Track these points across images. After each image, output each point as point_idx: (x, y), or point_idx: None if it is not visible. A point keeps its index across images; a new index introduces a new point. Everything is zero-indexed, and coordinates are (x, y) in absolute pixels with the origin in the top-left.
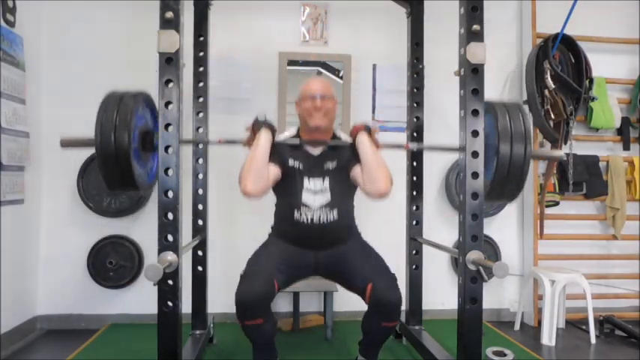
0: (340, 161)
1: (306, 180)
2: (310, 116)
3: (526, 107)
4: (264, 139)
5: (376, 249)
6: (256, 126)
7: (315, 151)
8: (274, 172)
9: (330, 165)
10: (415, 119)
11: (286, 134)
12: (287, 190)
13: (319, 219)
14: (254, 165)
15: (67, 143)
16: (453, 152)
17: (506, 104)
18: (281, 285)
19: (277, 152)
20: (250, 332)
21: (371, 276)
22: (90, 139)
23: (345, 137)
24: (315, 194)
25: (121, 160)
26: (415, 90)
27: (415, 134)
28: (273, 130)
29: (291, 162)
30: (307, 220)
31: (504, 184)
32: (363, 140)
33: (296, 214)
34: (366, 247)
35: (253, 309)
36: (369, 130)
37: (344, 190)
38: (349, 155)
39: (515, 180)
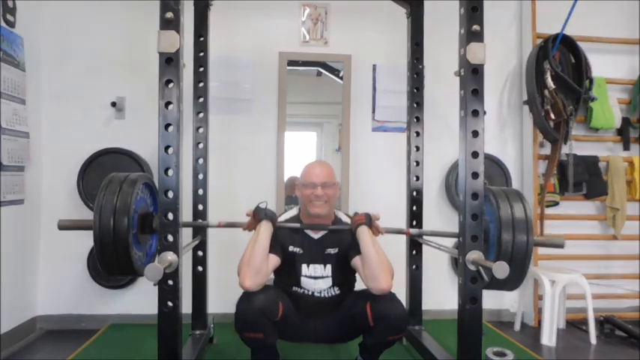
0: (342, 245)
1: (304, 267)
2: (310, 203)
3: (526, 107)
4: (264, 232)
5: None
6: (257, 215)
7: (316, 234)
8: (274, 262)
9: (332, 250)
10: (415, 119)
11: (287, 216)
12: (286, 274)
13: (320, 293)
14: (253, 261)
15: (64, 226)
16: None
17: (506, 191)
18: (285, 312)
19: (277, 238)
20: (249, 343)
21: (367, 297)
22: (89, 222)
23: (346, 219)
24: (316, 279)
25: (119, 246)
26: (415, 90)
27: (415, 134)
28: (274, 220)
29: (291, 248)
30: (308, 292)
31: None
32: (363, 233)
33: (295, 288)
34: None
35: (253, 322)
36: (369, 222)
37: (346, 274)
38: (350, 240)
39: (518, 268)
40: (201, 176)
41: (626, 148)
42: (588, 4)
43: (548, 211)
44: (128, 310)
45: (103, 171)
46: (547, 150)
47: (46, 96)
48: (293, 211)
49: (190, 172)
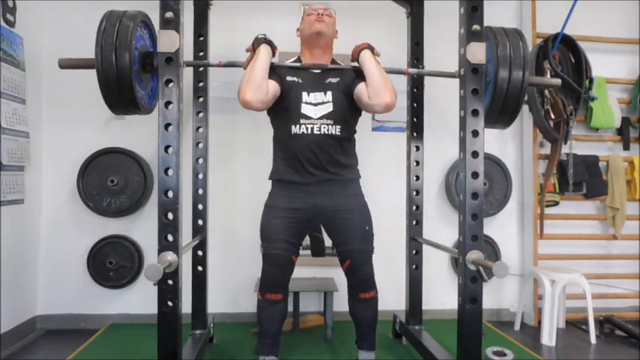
0: (343, 77)
1: (305, 94)
2: (312, 25)
3: (526, 107)
4: (263, 53)
5: (376, 248)
6: (257, 42)
7: (316, 70)
8: (273, 87)
9: (333, 80)
10: (415, 119)
11: (286, 61)
12: (284, 109)
13: (320, 129)
14: (253, 75)
15: (66, 64)
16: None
17: (507, 30)
18: (297, 255)
19: (276, 71)
20: (267, 309)
21: (351, 253)
22: (90, 60)
23: (345, 66)
24: (316, 106)
25: (122, 81)
26: (415, 90)
27: (415, 134)
28: (273, 47)
29: (289, 77)
30: (307, 130)
31: (501, 109)
32: (366, 56)
33: (294, 129)
34: (362, 214)
35: (277, 284)
36: (371, 48)
37: (347, 109)
38: (352, 76)
39: (511, 106)
40: (201, 176)
41: (626, 147)
42: (588, 4)
43: (548, 211)
44: (128, 310)
45: (103, 171)
46: (547, 150)
47: (46, 96)
48: (292, 58)
49: (190, 172)
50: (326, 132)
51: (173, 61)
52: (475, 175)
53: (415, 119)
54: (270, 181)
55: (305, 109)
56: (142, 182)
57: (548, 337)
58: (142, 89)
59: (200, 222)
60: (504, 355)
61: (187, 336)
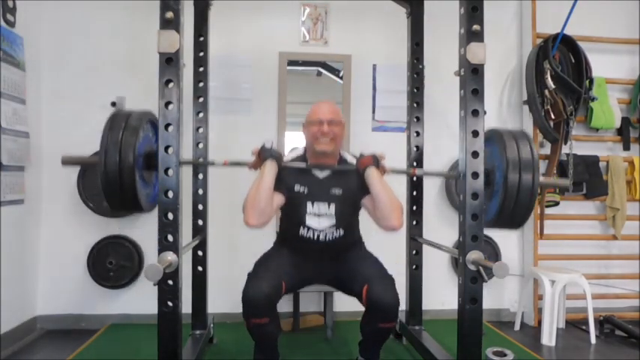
0: (347, 186)
1: (309, 205)
2: (317, 141)
3: (526, 107)
4: (269, 171)
5: (377, 249)
6: (263, 154)
7: (322, 173)
8: (278, 200)
9: (337, 191)
10: (415, 119)
11: (292, 155)
12: (291, 213)
13: (325, 237)
14: (258, 200)
15: (68, 161)
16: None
17: (514, 132)
18: (289, 287)
19: (282, 177)
20: (255, 331)
21: (367, 278)
22: (93, 158)
23: (352, 159)
24: (320, 217)
25: (125, 182)
26: (415, 90)
27: (415, 134)
28: (279, 160)
29: (296, 187)
30: (313, 236)
31: (513, 212)
32: (372, 175)
33: (301, 231)
34: (366, 253)
35: (260, 308)
36: (377, 163)
37: (349, 213)
38: (357, 181)
39: (523, 208)
40: (201, 176)
41: (626, 148)
42: (588, 4)
43: (548, 211)
44: (128, 310)
45: None
46: (547, 150)
47: (46, 96)
48: (298, 151)
49: (190, 172)
50: (330, 238)
51: (173, 61)
52: (475, 175)
53: (415, 119)
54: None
55: (309, 221)
56: None
57: (548, 337)
58: (144, 188)
59: (200, 222)
60: (504, 355)
61: (187, 336)
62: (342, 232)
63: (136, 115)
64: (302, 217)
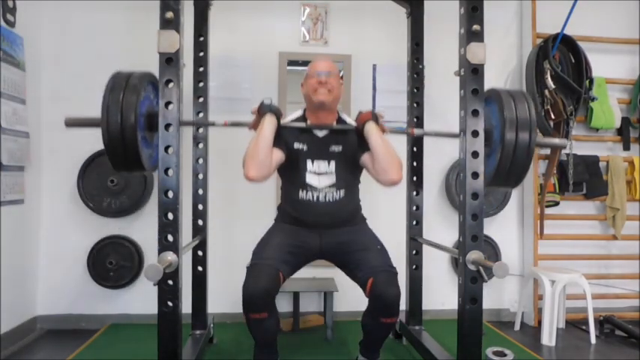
0: (346, 145)
1: (309, 162)
2: (315, 92)
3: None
4: (268, 125)
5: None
6: (262, 110)
7: (321, 133)
8: (278, 156)
9: (336, 148)
10: (415, 119)
11: (292, 116)
12: (291, 172)
13: (325, 197)
14: (257, 152)
15: (71, 123)
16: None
17: (512, 92)
18: (286, 275)
19: (282, 135)
20: (255, 327)
21: (373, 271)
22: (96, 119)
23: (351, 121)
24: (320, 176)
25: (127, 142)
26: (415, 90)
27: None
28: (278, 115)
29: (296, 145)
30: (313, 198)
31: (509, 172)
32: (371, 129)
33: (301, 194)
34: (371, 237)
35: (259, 303)
36: (376, 119)
37: (349, 173)
38: (356, 140)
39: (519, 168)
40: (201, 176)
41: (626, 148)
42: (588, 4)
43: (548, 211)
44: (128, 310)
45: (103, 171)
46: (547, 150)
47: (46, 96)
48: (298, 112)
49: (190, 172)
50: (330, 199)
51: (173, 61)
52: (475, 175)
53: (415, 119)
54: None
55: (310, 179)
56: (142, 182)
57: (548, 337)
58: (146, 148)
59: (200, 222)
60: (504, 355)
61: (187, 336)
62: (342, 193)
63: (137, 76)
64: (302, 175)
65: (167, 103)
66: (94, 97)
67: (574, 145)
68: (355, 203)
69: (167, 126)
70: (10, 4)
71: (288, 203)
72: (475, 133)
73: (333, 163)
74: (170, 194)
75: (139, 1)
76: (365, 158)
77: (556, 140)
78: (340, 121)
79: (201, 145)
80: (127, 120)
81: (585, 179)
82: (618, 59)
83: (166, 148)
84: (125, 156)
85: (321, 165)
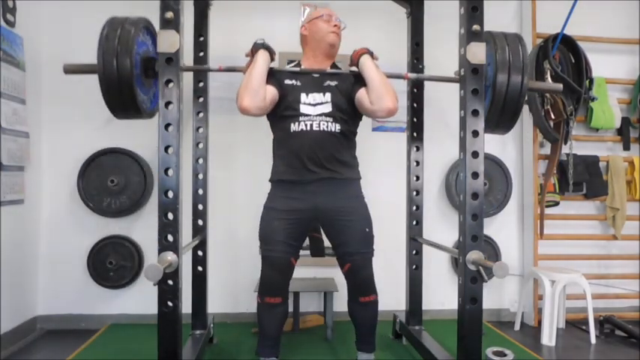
0: (341, 81)
1: (303, 95)
2: (327, 35)
3: (526, 107)
4: (261, 57)
5: (376, 249)
6: (255, 47)
7: (316, 74)
8: (271, 93)
9: (331, 82)
10: (415, 119)
11: (287, 66)
12: (284, 108)
13: (319, 125)
14: (251, 81)
15: (70, 69)
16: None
17: (507, 35)
18: (296, 259)
19: (275, 75)
20: (267, 311)
21: (350, 255)
22: (93, 65)
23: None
24: (315, 106)
25: (124, 86)
26: (415, 90)
27: (415, 134)
28: (271, 52)
29: (288, 81)
30: (306, 127)
31: (500, 114)
32: (366, 61)
33: (293, 127)
34: (363, 218)
35: (276, 288)
36: (370, 53)
37: (345, 109)
38: (351, 81)
39: (510, 111)
40: (201, 176)
41: (626, 148)
42: (588, 4)
43: (548, 211)
44: (128, 310)
45: (103, 171)
46: (547, 150)
47: (46, 96)
48: (293, 63)
49: (190, 172)
50: (325, 129)
51: (173, 61)
52: (475, 175)
53: (415, 119)
54: (270, 183)
55: (303, 109)
56: (142, 182)
57: (548, 337)
58: (143, 94)
59: (200, 222)
60: (504, 355)
61: (187, 336)
62: (337, 127)
63: (132, 21)
64: (296, 108)
65: (167, 103)
66: (94, 97)
67: (574, 145)
68: (351, 154)
69: (167, 126)
70: (10, 4)
71: (279, 153)
72: (475, 133)
73: (328, 94)
74: (170, 194)
75: (139, 1)
76: (360, 93)
77: (550, 84)
78: (335, 67)
79: (201, 145)
80: (123, 65)
81: (585, 179)
82: (618, 59)
83: (166, 148)
84: (122, 100)
85: (316, 96)
